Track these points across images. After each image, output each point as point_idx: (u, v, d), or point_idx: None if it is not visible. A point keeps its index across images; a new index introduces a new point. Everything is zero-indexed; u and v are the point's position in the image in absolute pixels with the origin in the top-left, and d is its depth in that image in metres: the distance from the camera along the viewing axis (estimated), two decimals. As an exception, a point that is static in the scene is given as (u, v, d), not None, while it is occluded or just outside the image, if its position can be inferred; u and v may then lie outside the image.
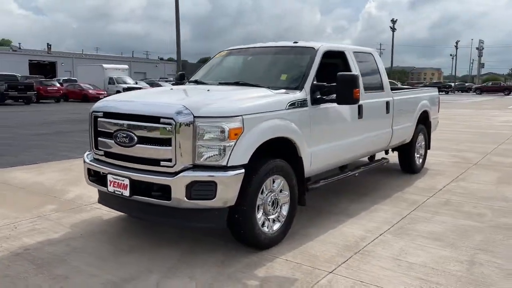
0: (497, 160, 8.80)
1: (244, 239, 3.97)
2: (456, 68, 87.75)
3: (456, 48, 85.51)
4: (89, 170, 4.28)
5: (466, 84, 75.22)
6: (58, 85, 35.58)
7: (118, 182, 3.89)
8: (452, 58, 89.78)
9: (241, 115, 3.69)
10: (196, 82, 5.39)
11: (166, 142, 3.65)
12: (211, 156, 3.60)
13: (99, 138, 4.16)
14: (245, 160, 3.71)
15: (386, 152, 7.55)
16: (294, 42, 5.29)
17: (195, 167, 3.63)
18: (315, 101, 4.57)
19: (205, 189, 3.56)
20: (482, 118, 19.00)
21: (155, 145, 3.72)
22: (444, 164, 8.32)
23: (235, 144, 3.63)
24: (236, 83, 4.84)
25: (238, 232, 3.92)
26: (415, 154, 7.34)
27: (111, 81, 37.08)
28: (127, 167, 3.90)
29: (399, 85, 11.46)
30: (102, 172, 4.09)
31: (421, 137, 7.52)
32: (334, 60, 5.39)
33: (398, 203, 5.68)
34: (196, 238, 4.36)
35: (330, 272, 3.63)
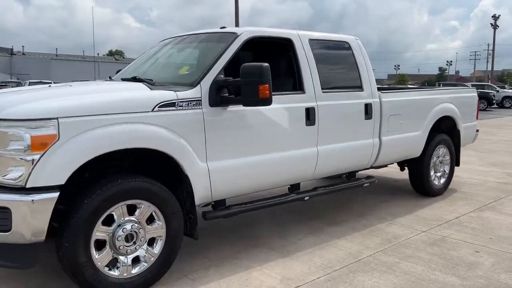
0: None
1: (79, 284, 2.96)
2: None
3: None
4: None
5: None
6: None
7: None
8: None
9: (56, 118, 2.71)
10: (110, 78, 4.54)
11: (-36, 152, 2.79)
12: (9, 173, 2.68)
13: None
14: (61, 180, 2.71)
15: (402, 169, 6.05)
16: (221, 28, 4.17)
17: (-3, 187, 2.73)
18: (220, 102, 3.43)
19: (-2, 218, 2.65)
20: None
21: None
22: (485, 185, 6.49)
23: (40, 158, 2.66)
24: (133, 79, 3.86)
25: (69, 275, 2.94)
26: (430, 172, 5.71)
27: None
28: None
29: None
30: None
31: (441, 151, 5.86)
32: (276, 51, 4.18)
33: (369, 238, 4.26)
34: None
35: None
